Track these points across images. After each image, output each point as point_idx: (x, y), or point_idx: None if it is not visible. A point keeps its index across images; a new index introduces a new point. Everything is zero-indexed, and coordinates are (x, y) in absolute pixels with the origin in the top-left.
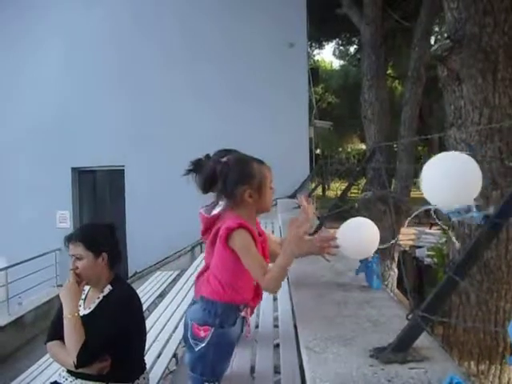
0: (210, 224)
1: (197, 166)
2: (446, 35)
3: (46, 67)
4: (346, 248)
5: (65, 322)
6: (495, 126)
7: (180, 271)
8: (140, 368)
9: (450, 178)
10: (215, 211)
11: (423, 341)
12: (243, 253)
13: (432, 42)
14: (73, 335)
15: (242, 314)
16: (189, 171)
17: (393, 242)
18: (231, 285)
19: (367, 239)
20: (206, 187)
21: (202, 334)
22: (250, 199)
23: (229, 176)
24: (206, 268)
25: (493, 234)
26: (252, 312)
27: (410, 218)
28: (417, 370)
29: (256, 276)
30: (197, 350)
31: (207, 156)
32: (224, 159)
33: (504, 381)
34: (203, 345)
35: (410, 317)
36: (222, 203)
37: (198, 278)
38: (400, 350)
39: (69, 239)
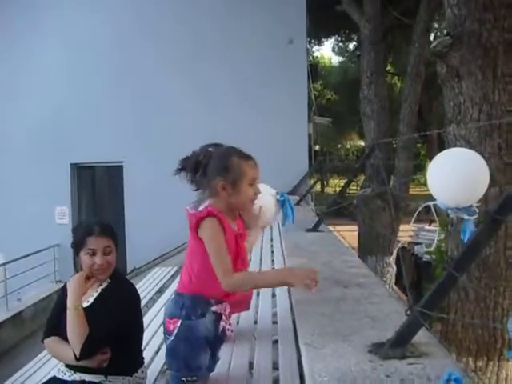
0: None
1: (186, 164)
2: (445, 31)
3: (46, 65)
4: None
5: (70, 314)
6: (494, 123)
7: (179, 267)
8: (138, 361)
9: (458, 174)
10: (201, 207)
11: (422, 337)
12: (207, 242)
13: (431, 38)
14: (78, 328)
15: (213, 308)
16: (179, 170)
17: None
18: (199, 276)
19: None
20: (191, 173)
21: (171, 327)
22: (224, 192)
23: (208, 166)
24: None
25: (492, 231)
26: (233, 310)
27: (415, 215)
28: (415, 366)
29: (215, 268)
30: (167, 344)
31: (193, 152)
32: (210, 149)
33: (502, 377)
34: (172, 338)
35: (408, 312)
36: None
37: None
38: (399, 345)
39: (101, 231)
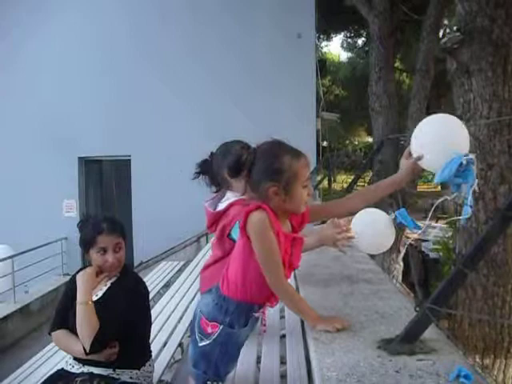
0: (215, 218)
1: (204, 168)
2: (455, 28)
3: (57, 58)
4: (360, 242)
5: (80, 308)
6: (504, 120)
7: (186, 262)
8: (146, 355)
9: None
10: (221, 206)
11: (431, 333)
12: (255, 238)
13: (441, 35)
14: (88, 322)
15: (256, 314)
16: (198, 174)
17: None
18: (249, 283)
19: (383, 233)
20: (232, 174)
21: (210, 330)
22: (276, 197)
23: (254, 168)
24: (213, 261)
25: (502, 227)
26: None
27: (431, 212)
28: (425, 362)
29: (264, 269)
30: (200, 345)
31: (212, 154)
32: (253, 146)
33: (508, 375)
34: (208, 342)
35: (417, 309)
36: (229, 195)
37: (203, 271)
38: (408, 341)
39: (111, 229)
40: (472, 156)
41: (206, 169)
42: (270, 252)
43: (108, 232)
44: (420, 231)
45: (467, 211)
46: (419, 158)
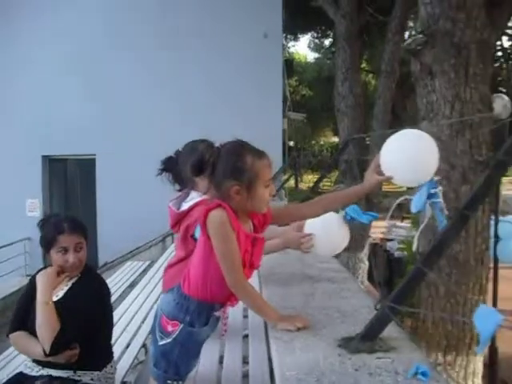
0: (178, 218)
1: (168, 165)
2: (419, 30)
3: (16, 54)
4: (316, 246)
5: (40, 309)
6: (466, 121)
7: (151, 261)
8: (108, 356)
9: (405, 152)
10: (185, 205)
11: (391, 331)
12: (214, 237)
13: (406, 36)
14: (48, 323)
15: (217, 313)
16: (161, 170)
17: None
18: (210, 282)
19: (338, 236)
20: (194, 173)
21: (170, 328)
22: (238, 196)
23: (217, 167)
24: (176, 261)
25: (461, 226)
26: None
27: (390, 213)
28: (384, 360)
29: (223, 268)
30: (160, 344)
31: (177, 152)
32: (217, 145)
33: (469, 371)
34: (169, 340)
35: (378, 307)
36: (193, 195)
37: (166, 270)
38: (368, 339)
39: (73, 228)
40: (437, 178)
41: (171, 166)
42: (228, 250)
43: (69, 232)
44: (386, 230)
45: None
46: (390, 178)
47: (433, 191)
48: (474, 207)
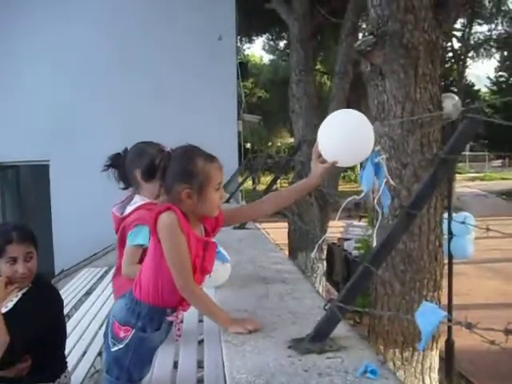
0: (120, 223)
1: (115, 161)
2: (369, 31)
3: None
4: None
5: None
6: (417, 121)
7: (108, 268)
8: (61, 367)
9: (339, 133)
10: (129, 209)
11: (341, 330)
12: (164, 240)
13: (359, 38)
14: None
15: (169, 318)
16: (108, 166)
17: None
18: (161, 286)
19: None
20: (145, 178)
21: (122, 334)
22: (189, 200)
23: (168, 170)
24: (117, 268)
25: (407, 225)
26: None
27: (339, 212)
28: (333, 360)
29: (173, 272)
30: (113, 350)
31: (125, 150)
32: (168, 149)
33: (426, 366)
34: (121, 346)
35: (327, 307)
36: (137, 199)
37: (114, 278)
38: (318, 340)
39: (22, 237)
40: (378, 149)
41: (118, 163)
42: (177, 253)
43: (18, 241)
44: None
45: (386, 203)
46: (335, 163)
47: (376, 160)
48: (419, 206)
